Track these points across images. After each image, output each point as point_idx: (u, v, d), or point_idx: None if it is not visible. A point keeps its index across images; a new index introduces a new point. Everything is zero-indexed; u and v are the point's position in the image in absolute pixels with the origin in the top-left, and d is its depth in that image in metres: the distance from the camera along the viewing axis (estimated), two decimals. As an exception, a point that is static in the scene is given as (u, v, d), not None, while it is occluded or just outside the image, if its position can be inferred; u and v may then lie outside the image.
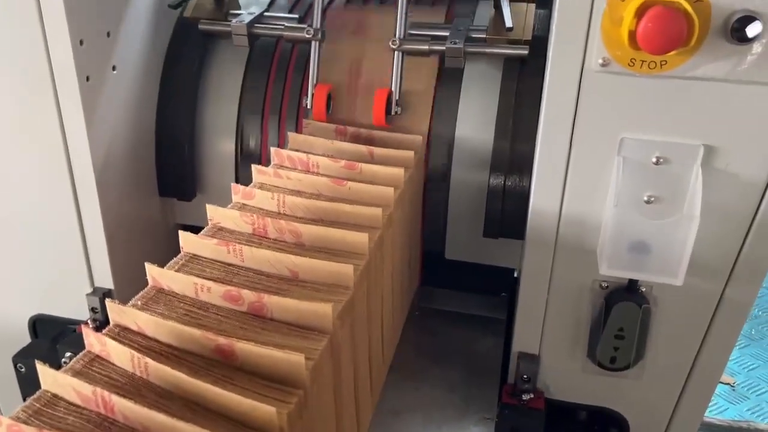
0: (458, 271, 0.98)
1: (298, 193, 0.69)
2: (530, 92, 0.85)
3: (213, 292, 0.50)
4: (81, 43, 0.78)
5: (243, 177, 0.98)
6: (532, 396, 0.83)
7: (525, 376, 0.83)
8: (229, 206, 0.65)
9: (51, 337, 0.94)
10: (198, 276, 0.52)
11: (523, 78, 0.89)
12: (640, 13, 0.61)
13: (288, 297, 0.49)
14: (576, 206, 0.74)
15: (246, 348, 0.44)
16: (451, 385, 0.83)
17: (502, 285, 0.99)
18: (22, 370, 0.91)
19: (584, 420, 0.88)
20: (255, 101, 0.95)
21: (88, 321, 0.91)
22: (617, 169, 0.70)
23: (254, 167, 0.70)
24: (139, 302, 0.50)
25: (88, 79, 0.80)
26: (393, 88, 0.89)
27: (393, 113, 0.90)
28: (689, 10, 0.60)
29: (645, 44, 0.61)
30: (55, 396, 0.42)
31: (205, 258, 0.56)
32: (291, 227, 0.58)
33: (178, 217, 1.04)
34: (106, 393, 0.40)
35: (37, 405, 0.42)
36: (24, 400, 0.95)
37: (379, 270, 0.64)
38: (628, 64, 0.65)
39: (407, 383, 0.82)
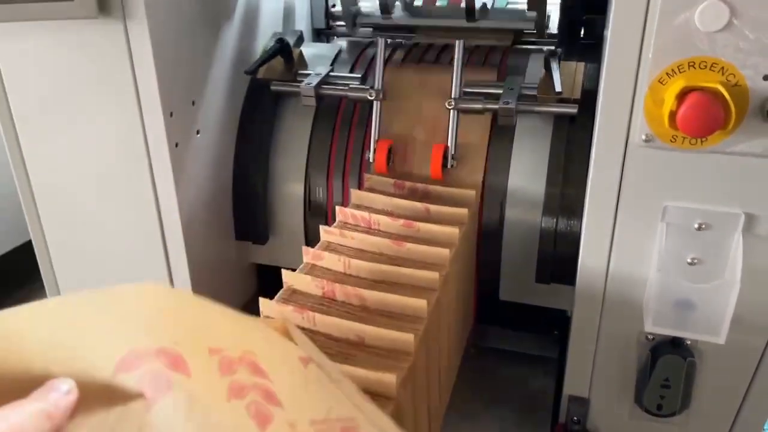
0: (512, 310, 1.04)
1: (361, 253, 0.76)
2: (579, 145, 0.90)
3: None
4: (171, 114, 0.87)
5: (311, 222, 1.06)
6: (581, 437, 0.88)
7: (575, 418, 0.88)
8: (301, 267, 0.73)
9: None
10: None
11: (573, 131, 0.94)
12: (680, 97, 0.66)
13: (355, 363, 0.57)
14: (622, 265, 0.79)
15: None
16: (504, 425, 0.90)
17: (554, 324, 1.04)
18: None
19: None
20: (321, 154, 1.04)
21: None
22: (660, 235, 0.74)
23: (322, 228, 0.79)
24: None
25: (177, 145, 0.90)
26: (449, 143, 0.96)
27: (449, 166, 0.96)
28: (726, 97, 0.64)
29: (684, 128, 0.65)
30: None
31: (283, 324, 0.65)
32: (356, 292, 0.66)
33: (253, 258, 1.14)
34: None
35: None
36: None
37: (436, 329, 0.71)
38: (670, 141, 0.70)
39: (463, 423, 0.89)
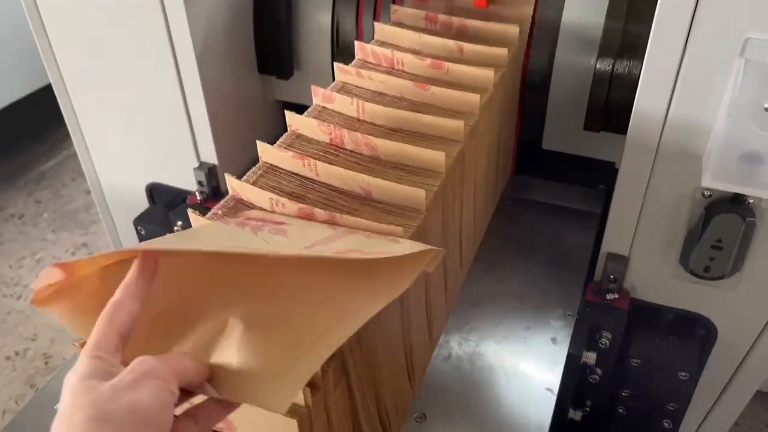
0: (555, 161, 0.95)
1: (379, 95, 0.67)
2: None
3: (287, 209, 0.52)
4: None
5: (339, 57, 0.96)
6: (616, 296, 0.82)
7: (612, 277, 0.82)
8: (309, 109, 0.65)
9: (165, 204, 1.03)
10: (274, 189, 0.54)
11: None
12: None
13: (359, 218, 0.50)
14: (685, 109, 0.68)
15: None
16: (535, 279, 0.84)
17: (600, 177, 0.95)
18: (142, 232, 1.01)
19: (673, 320, 0.86)
20: (350, -24, 0.91)
21: (196, 193, 0.98)
22: (737, 73, 0.62)
23: (337, 66, 0.69)
24: (219, 211, 0.53)
25: (184, -42, 0.79)
26: (496, -36, 0.82)
27: (495, -8, 0.83)
28: None
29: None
30: None
31: (282, 169, 0.57)
32: (367, 140, 0.58)
33: (277, 94, 1.06)
34: None
35: None
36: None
37: (458, 184, 0.63)
38: (765, -48, 0.56)
39: (490, 275, 0.84)
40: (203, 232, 0.50)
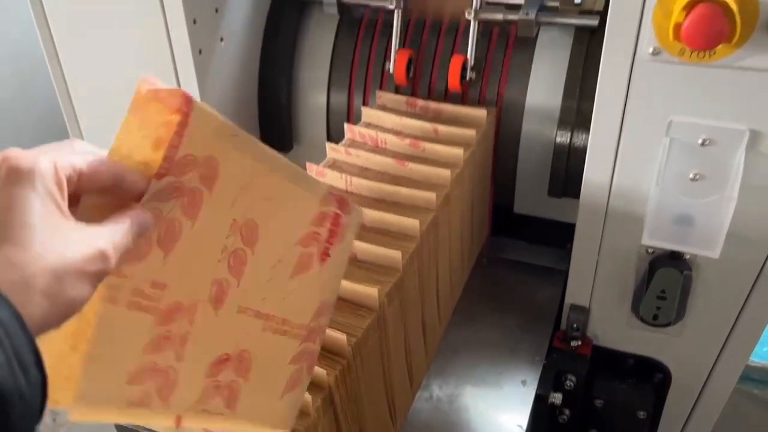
0: (526, 223, 1.07)
1: (365, 171, 0.79)
2: (599, 58, 0.89)
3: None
4: (194, 21, 0.90)
5: (333, 131, 1.09)
6: (580, 343, 0.92)
7: (575, 326, 0.92)
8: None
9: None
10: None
11: (593, 45, 0.92)
12: (688, 9, 0.64)
13: (345, 277, 0.61)
14: (625, 180, 0.79)
15: None
16: (508, 330, 0.94)
17: (567, 237, 1.06)
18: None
19: (631, 365, 0.96)
20: (344, 64, 1.05)
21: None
22: (663, 149, 0.75)
23: (328, 145, 0.81)
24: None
25: (200, 52, 0.93)
26: (469, 55, 0.96)
27: (468, 78, 0.97)
28: (734, 9, 0.62)
29: (688, 40, 0.64)
30: None
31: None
32: (354, 210, 0.70)
33: (279, 165, 1.18)
34: None
35: None
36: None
37: (433, 245, 0.74)
38: (678, 54, 0.69)
39: (467, 325, 0.94)
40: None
